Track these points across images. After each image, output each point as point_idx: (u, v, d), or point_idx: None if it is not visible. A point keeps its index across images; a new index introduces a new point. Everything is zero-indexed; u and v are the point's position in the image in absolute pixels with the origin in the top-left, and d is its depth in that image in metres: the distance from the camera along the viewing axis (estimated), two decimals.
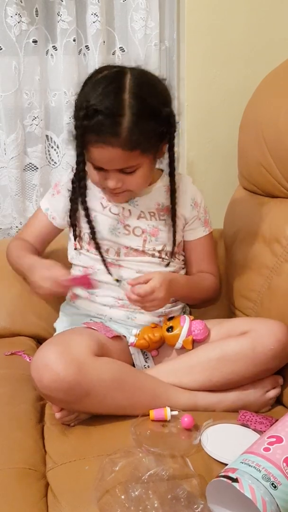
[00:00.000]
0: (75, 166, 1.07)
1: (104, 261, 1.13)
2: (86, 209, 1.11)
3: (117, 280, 1.13)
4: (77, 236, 1.15)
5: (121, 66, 1.02)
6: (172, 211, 1.13)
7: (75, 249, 1.16)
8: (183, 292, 1.14)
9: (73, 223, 1.14)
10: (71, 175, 1.12)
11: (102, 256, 1.12)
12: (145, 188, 1.12)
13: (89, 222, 1.11)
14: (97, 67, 1.05)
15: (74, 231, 1.15)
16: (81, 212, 1.13)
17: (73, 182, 1.12)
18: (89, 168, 1.06)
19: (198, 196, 1.19)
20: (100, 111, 0.94)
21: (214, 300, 1.28)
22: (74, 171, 1.09)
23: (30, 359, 1.14)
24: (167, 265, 1.15)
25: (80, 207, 1.12)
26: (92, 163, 1.03)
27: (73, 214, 1.13)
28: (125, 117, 0.94)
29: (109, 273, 1.12)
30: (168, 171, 1.12)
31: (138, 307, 1.06)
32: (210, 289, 1.21)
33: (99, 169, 1.03)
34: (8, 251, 1.22)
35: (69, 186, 1.13)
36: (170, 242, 1.15)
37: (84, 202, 1.10)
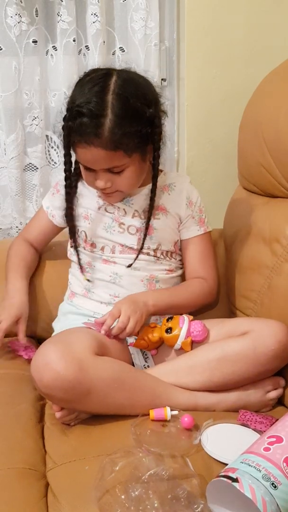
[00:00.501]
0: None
1: (79, 260, 1.16)
2: (71, 208, 1.13)
3: (88, 280, 1.15)
4: (73, 235, 1.16)
5: (110, 68, 1.04)
6: (149, 212, 1.12)
7: (71, 246, 1.18)
8: (161, 302, 1.10)
9: (69, 222, 1.15)
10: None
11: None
12: (140, 188, 1.13)
13: (84, 220, 1.14)
14: (87, 70, 1.06)
15: (70, 229, 1.16)
16: (77, 211, 1.15)
17: (65, 185, 1.13)
18: (81, 169, 1.08)
19: (193, 195, 1.19)
20: (83, 113, 0.96)
21: (211, 305, 1.24)
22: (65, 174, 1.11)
23: (26, 355, 1.15)
24: (160, 262, 1.16)
25: (74, 206, 1.14)
26: (80, 163, 1.05)
27: (68, 213, 1.14)
28: (106, 118, 0.96)
29: (82, 272, 1.16)
30: (164, 171, 1.13)
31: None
32: (201, 296, 1.18)
33: (88, 169, 1.04)
34: (10, 250, 1.25)
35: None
36: (165, 241, 1.15)
37: (71, 201, 1.13)
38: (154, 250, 1.15)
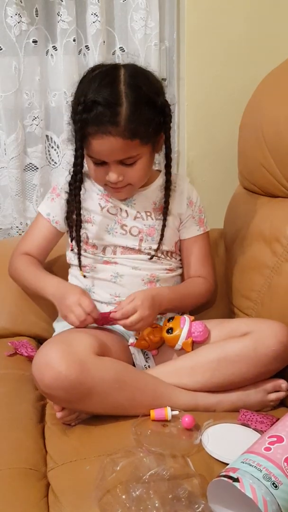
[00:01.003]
0: (72, 166, 1.08)
1: (79, 257, 1.13)
2: (79, 208, 1.10)
3: (84, 276, 1.15)
4: (73, 238, 1.14)
5: (114, 63, 1.06)
6: (165, 205, 1.13)
7: (71, 250, 1.17)
8: (171, 305, 1.11)
9: (70, 225, 1.14)
10: (69, 178, 1.12)
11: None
12: (143, 188, 1.13)
13: (86, 223, 1.13)
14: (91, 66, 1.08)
15: (71, 233, 1.15)
16: (81, 213, 1.13)
17: (70, 183, 1.11)
18: (89, 166, 1.07)
19: (193, 195, 1.19)
20: (99, 103, 0.97)
21: (208, 303, 1.26)
22: (72, 171, 1.09)
23: (26, 352, 1.15)
24: (158, 260, 1.16)
25: (76, 208, 1.12)
26: (93, 156, 1.04)
27: (70, 216, 1.14)
28: (123, 106, 0.97)
29: (80, 269, 1.14)
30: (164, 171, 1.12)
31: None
32: (202, 294, 1.19)
33: (99, 164, 1.04)
34: (14, 266, 1.19)
35: (67, 188, 1.13)
36: (167, 242, 1.16)
37: (79, 200, 1.10)
38: (155, 251, 1.15)
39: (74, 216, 1.12)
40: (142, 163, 1.04)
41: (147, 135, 1.01)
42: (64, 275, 1.22)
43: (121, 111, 0.97)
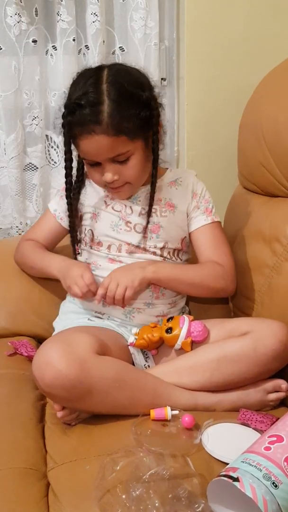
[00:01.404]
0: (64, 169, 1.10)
1: (75, 257, 1.16)
2: (71, 210, 1.13)
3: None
4: (76, 240, 1.16)
5: (100, 64, 1.06)
6: (150, 198, 1.12)
7: (78, 254, 1.18)
8: (168, 271, 1.09)
9: (72, 225, 1.15)
10: (74, 178, 1.14)
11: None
12: (145, 186, 1.13)
13: (91, 219, 1.14)
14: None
15: (74, 233, 1.16)
16: (83, 210, 1.16)
17: (66, 188, 1.13)
18: (86, 168, 1.09)
19: (198, 188, 1.19)
20: (81, 104, 0.98)
21: (225, 291, 1.17)
22: (65, 174, 1.11)
23: (26, 352, 1.15)
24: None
25: (68, 209, 1.14)
26: (84, 158, 1.06)
27: (71, 215, 1.14)
28: (104, 104, 0.98)
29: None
30: (170, 168, 1.14)
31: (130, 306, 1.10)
32: (212, 276, 1.12)
33: (94, 165, 1.05)
34: (20, 250, 1.24)
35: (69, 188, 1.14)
36: (172, 239, 1.15)
37: (70, 203, 1.13)
38: (161, 249, 1.14)
39: (78, 215, 1.16)
40: (135, 160, 1.04)
41: (133, 130, 1.01)
42: None
43: (103, 109, 0.97)
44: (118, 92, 0.99)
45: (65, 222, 1.21)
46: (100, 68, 1.04)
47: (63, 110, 1.03)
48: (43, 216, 1.27)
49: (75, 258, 1.18)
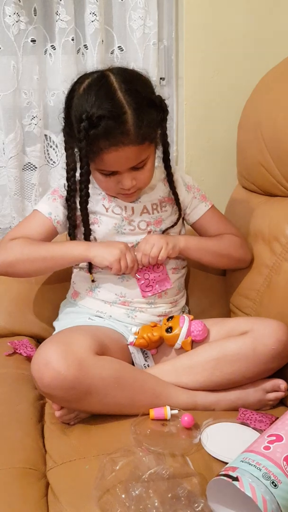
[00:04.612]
0: (78, 183, 1.07)
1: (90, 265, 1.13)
2: (87, 214, 1.10)
3: (93, 281, 1.14)
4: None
5: (98, 70, 1.04)
6: (174, 196, 1.15)
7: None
8: (197, 245, 1.15)
9: (72, 234, 1.13)
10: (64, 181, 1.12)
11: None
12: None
13: (93, 225, 1.12)
14: (74, 79, 1.05)
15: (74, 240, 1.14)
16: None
17: (69, 191, 1.11)
18: (98, 178, 1.06)
19: (189, 180, 1.21)
20: (104, 116, 0.95)
21: (244, 262, 1.22)
22: (79, 189, 1.08)
23: (25, 353, 1.14)
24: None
25: (83, 214, 1.10)
26: (105, 169, 1.03)
27: (72, 224, 1.12)
28: (127, 114, 0.96)
29: (90, 272, 1.14)
30: (157, 165, 1.13)
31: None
32: (233, 245, 1.19)
33: (109, 175, 1.04)
34: (11, 248, 1.10)
35: (72, 200, 1.12)
36: (172, 231, 1.16)
37: (86, 214, 1.10)
38: (171, 226, 1.16)
39: (82, 229, 1.12)
40: (150, 163, 1.06)
41: (154, 135, 1.02)
42: (64, 276, 1.23)
43: (128, 119, 0.96)
44: (136, 100, 0.97)
45: (61, 227, 1.14)
46: (104, 76, 1.00)
47: (65, 125, 1.03)
48: (32, 218, 1.15)
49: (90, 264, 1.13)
